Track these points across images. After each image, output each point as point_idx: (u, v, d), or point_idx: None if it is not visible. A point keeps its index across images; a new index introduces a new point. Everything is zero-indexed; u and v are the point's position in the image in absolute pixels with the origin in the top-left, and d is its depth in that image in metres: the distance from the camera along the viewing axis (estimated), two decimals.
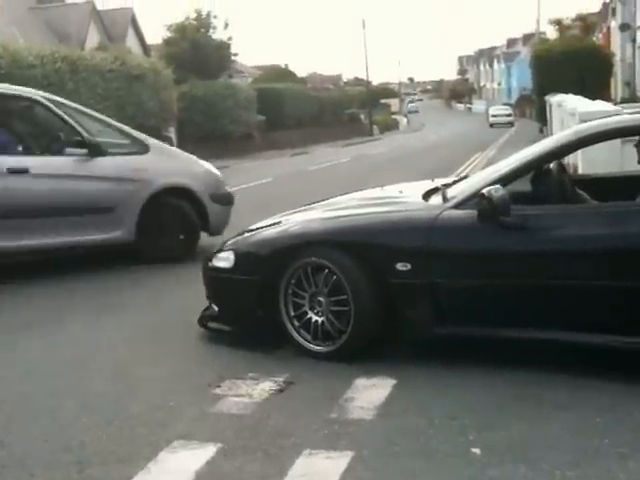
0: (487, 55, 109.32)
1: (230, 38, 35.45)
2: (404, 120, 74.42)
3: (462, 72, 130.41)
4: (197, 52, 32.98)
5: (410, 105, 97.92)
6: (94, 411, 3.64)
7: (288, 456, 3.08)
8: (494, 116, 58.04)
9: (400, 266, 3.95)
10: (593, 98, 16.50)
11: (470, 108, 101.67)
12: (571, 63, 27.13)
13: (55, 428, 3.46)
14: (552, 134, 22.64)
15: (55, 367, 4.37)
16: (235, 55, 37.62)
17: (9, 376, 4.25)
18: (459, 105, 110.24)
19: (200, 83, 31.06)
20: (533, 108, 38.58)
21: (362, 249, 4.10)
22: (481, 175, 4.34)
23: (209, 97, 30.49)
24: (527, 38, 77.38)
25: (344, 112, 50.10)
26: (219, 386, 3.90)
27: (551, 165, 4.39)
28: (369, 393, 3.73)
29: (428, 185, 4.79)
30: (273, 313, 4.31)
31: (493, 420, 3.34)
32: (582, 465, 2.90)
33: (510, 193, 3.84)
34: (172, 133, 27.23)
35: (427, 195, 4.45)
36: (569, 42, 33.08)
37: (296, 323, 4.27)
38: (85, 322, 5.35)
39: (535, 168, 4.15)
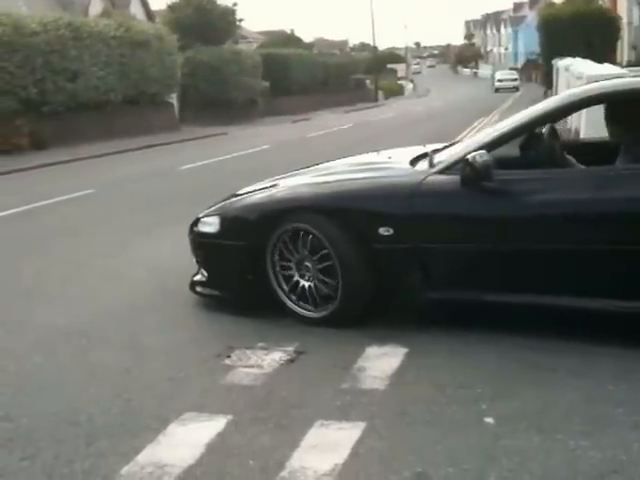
0: (494, 19, 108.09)
1: (235, 4, 35.13)
2: (410, 85, 73.75)
3: (469, 37, 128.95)
4: (202, 18, 32.62)
5: (414, 67, 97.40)
6: (102, 383, 3.60)
7: (299, 427, 3.04)
8: (500, 81, 57.54)
9: (383, 231, 3.96)
10: (600, 61, 16.31)
11: (476, 73, 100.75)
12: (578, 27, 26.90)
13: (62, 400, 3.42)
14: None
15: (61, 337, 4.33)
16: (240, 21, 37.25)
17: (17, 345, 4.22)
18: (465, 70, 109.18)
19: (205, 49, 30.77)
20: (539, 72, 38.15)
21: (345, 214, 4.11)
22: (469, 141, 4.28)
23: (214, 63, 30.25)
24: (534, 2, 76.59)
25: (350, 78, 49.67)
26: (229, 357, 3.86)
27: (543, 130, 4.33)
28: (381, 362, 3.68)
29: (418, 151, 4.73)
30: (262, 278, 4.32)
31: (506, 389, 3.29)
32: (596, 434, 2.86)
33: (497, 158, 3.84)
34: (174, 99, 27.06)
35: (415, 161, 4.40)
36: (576, 6, 32.64)
37: (285, 288, 4.29)
38: (86, 293, 5.30)
39: (521, 134, 4.10)
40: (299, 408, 3.22)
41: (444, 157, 4.16)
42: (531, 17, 71.66)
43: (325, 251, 4.10)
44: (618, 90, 4.11)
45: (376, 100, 51.84)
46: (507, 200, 3.82)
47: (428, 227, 3.93)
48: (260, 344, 4.00)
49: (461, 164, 3.85)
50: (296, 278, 4.26)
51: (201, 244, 4.71)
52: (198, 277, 4.76)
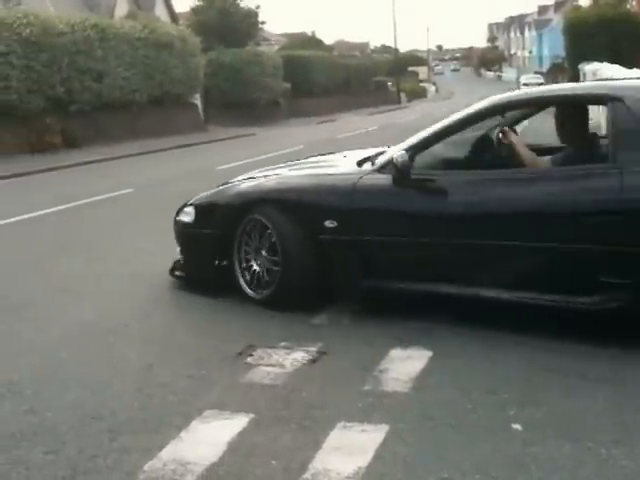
0: (518, 22, 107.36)
1: (258, 6, 35.23)
2: (432, 88, 73.54)
3: (492, 39, 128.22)
4: (225, 20, 32.80)
5: (436, 68, 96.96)
6: (125, 378, 3.60)
7: (322, 428, 3.01)
8: (525, 85, 57.08)
9: (328, 223, 4.34)
10: (628, 66, 16.12)
11: (500, 76, 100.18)
12: (605, 31, 26.55)
13: (86, 395, 3.41)
14: None
15: (88, 333, 4.34)
16: (263, 23, 37.37)
17: (44, 340, 4.23)
18: (489, 73, 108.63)
19: (227, 51, 30.92)
20: (565, 77, 37.81)
21: (295, 207, 4.48)
22: (402, 143, 4.57)
23: (236, 64, 30.37)
24: (559, 5, 75.99)
25: (371, 80, 49.60)
26: (250, 355, 3.83)
27: (495, 132, 4.64)
28: (404, 365, 3.63)
29: (372, 152, 5.07)
30: (228, 266, 4.72)
31: (534, 395, 3.24)
32: (628, 442, 2.80)
33: (446, 159, 4.35)
34: (197, 100, 27.19)
35: (363, 161, 4.73)
36: (603, 9, 32.30)
37: (242, 270, 4.69)
38: (119, 290, 5.32)
39: (444, 137, 4.38)
40: (321, 409, 3.19)
41: (385, 157, 4.48)
42: (556, 20, 71.12)
43: (273, 239, 4.48)
44: (531, 98, 4.60)
45: (399, 102, 51.71)
46: (423, 197, 4.20)
47: (365, 221, 4.31)
48: (282, 343, 3.98)
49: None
50: (251, 263, 4.64)
51: (180, 233, 5.19)
52: (178, 262, 5.23)
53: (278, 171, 5.15)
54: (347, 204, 4.32)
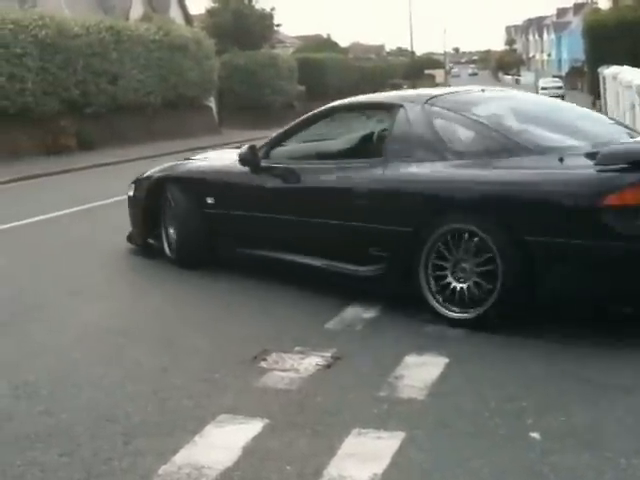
0: (536, 25, 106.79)
1: (273, 8, 35.24)
2: None
3: (510, 42, 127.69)
4: (240, 22, 32.83)
5: (453, 70, 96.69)
6: (139, 381, 3.59)
7: (337, 434, 2.98)
8: (544, 89, 56.55)
9: (209, 200, 5.51)
10: None
11: (518, 80, 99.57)
12: (625, 34, 26.29)
13: (100, 397, 3.41)
14: (606, 107, 22.07)
15: (101, 335, 4.34)
16: (278, 26, 37.40)
17: (59, 342, 4.24)
18: (507, 77, 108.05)
19: (242, 53, 30.95)
20: (584, 80, 37.57)
21: (188, 186, 5.72)
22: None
23: (250, 67, 30.40)
24: (578, 7, 75.44)
25: (387, 83, 49.55)
26: (265, 359, 3.81)
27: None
28: (420, 371, 3.60)
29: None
30: (157, 234, 6.00)
31: (553, 403, 3.19)
32: None
33: (286, 152, 5.33)
34: (212, 102, 27.23)
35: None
36: (623, 12, 32.02)
37: (155, 233, 6.02)
38: (131, 292, 5.32)
39: (291, 135, 5.37)
40: (336, 414, 3.16)
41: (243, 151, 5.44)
42: (575, 23, 70.60)
43: (171, 212, 5.76)
44: (352, 104, 5.47)
45: None
46: (268, 182, 5.19)
47: (232, 197, 5.44)
48: (297, 348, 3.95)
49: None
50: (161, 227, 5.91)
51: (127, 205, 6.49)
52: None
53: (195, 157, 6.42)
54: (222, 185, 5.51)
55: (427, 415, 3.15)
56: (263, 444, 2.93)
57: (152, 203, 5.96)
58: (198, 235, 5.60)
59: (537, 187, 3.96)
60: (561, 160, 3.97)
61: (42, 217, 8.92)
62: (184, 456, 2.84)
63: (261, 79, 30.47)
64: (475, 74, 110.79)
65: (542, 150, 4.13)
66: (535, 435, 2.92)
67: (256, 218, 5.27)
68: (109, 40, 20.49)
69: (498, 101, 5.06)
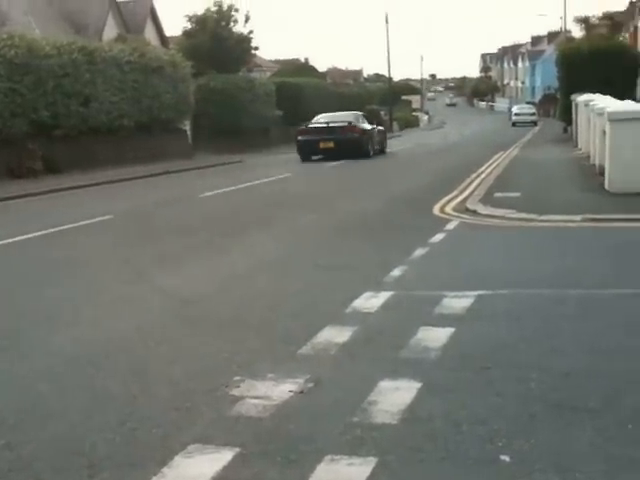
0: (511, 53, 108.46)
1: (251, 32, 35.36)
2: (425, 117, 73.97)
3: (485, 70, 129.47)
4: (217, 45, 32.89)
5: (429, 94, 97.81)
6: (106, 412, 3.52)
7: (309, 462, 2.94)
8: (517, 115, 57.35)
9: None
10: (620, 98, 16.25)
11: (493, 106, 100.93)
12: (598, 62, 26.79)
13: (66, 429, 3.34)
14: (577, 133, 22.39)
15: (70, 365, 4.26)
16: (255, 49, 37.53)
17: (23, 372, 4.16)
18: (481, 103, 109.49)
19: (219, 76, 30.99)
20: (557, 107, 38.08)
21: None
22: None
23: (227, 90, 30.44)
24: (552, 36, 76.77)
25: (364, 108, 49.82)
26: (237, 387, 3.76)
27: None
28: (393, 396, 3.57)
29: None
30: None
31: (523, 426, 3.18)
32: (616, 475, 2.76)
33: None
34: (187, 126, 27.20)
35: None
36: (596, 41, 32.61)
37: None
38: (99, 319, 5.25)
39: None
40: (308, 442, 3.12)
41: None
42: (549, 51, 71.80)
43: None
44: None
45: (391, 131, 51.94)
46: None
47: None
48: (270, 375, 3.91)
49: None
50: None
51: None
52: None
53: None
54: None
55: (400, 440, 3.12)
56: (233, 474, 2.88)
57: None
58: None
59: None
60: None
61: (4, 242, 8.86)
62: None
63: (238, 103, 30.53)
64: (454, 104, 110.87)
65: None
66: (506, 458, 2.91)
67: None
68: (81, 61, 20.34)
69: None
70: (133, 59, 22.73)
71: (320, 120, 24.57)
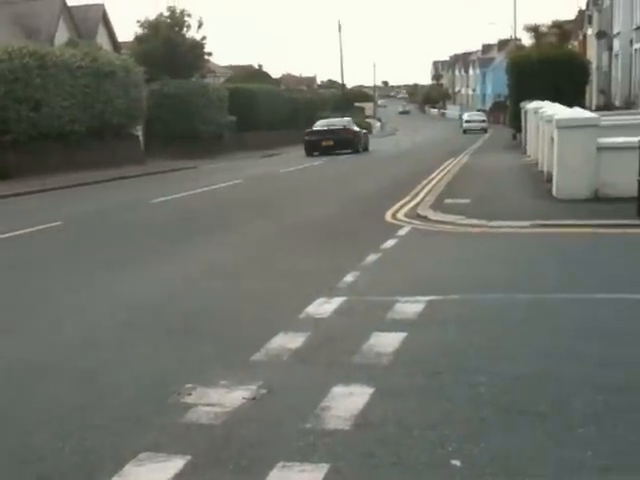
0: (462, 61, 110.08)
1: (204, 37, 35.27)
2: (377, 124, 74.51)
3: (437, 77, 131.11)
4: (170, 50, 32.72)
5: (380, 101, 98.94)
6: (56, 421, 3.46)
7: (261, 469, 2.93)
8: (468, 122, 58.14)
9: None
10: (569, 105, 16.60)
11: (444, 113, 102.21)
12: (547, 70, 27.29)
13: (13, 439, 3.27)
14: (526, 140, 22.81)
15: (17, 374, 4.18)
16: (209, 55, 37.42)
17: None
18: (433, 110, 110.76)
19: (172, 82, 30.80)
20: (507, 114, 38.74)
21: None
22: None
23: (180, 96, 30.27)
24: (502, 44, 78.06)
25: (318, 114, 49.97)
26: (189, 394, 3.73)
27: None
28: (346, 402, 3.59)
29: None
30: None
31: (474, 431, 3.23)
32: (564, 478, 2.80)
33: None
34: (139, 131, 26.98)
35: None
36: (545, 49, 33.27)
37: None
38: (49, 327, 5.16)
39: None
40: (261, 449, 3.11)
41: None
42: (500, 59, 73.04)
43: None
44: None
45: None
46: None
47: None
48: (222, 382, 3.89)
49: None
50: None
51: None
52: None
53: None
54: None
55: (352, 446, 3.13)
56: None
57: None
58: None
59: None
60: None
61: None
62: None
63: (191, 108, 30.37)
64: (407, 112, 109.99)
65: None
66: (456, 462, 2.94)
67: None
68: (32, 65, 20.08)
69: None
70: (85, 64, 22.50)
71: (322, 124, 31.53)
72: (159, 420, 3.44)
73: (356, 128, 31.67)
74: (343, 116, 53.66)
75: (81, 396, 3.77)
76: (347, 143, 29.79)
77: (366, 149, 31.74)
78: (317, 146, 29.33)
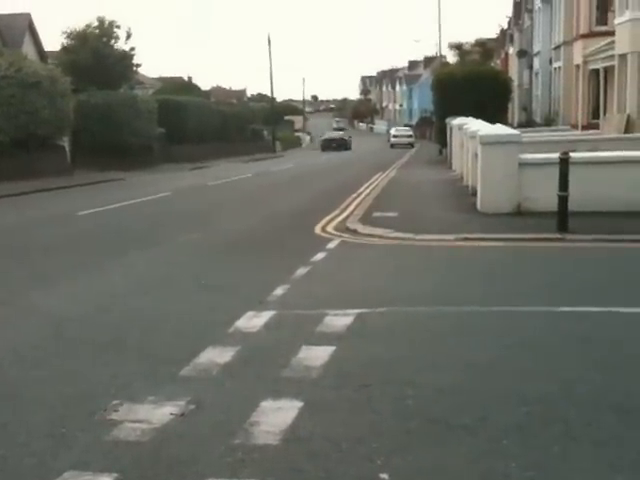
0: (389, 76, 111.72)
1: (133, 48, 34.78)
2: (307, 138, 74.89)
3: (365, 92, 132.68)
4: (99, 61, 32.16)
5: (309, 115, 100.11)
6: None
7: None
8: (395, 137, 59.01)
9: None
10: (492, 122, 17.06)
11: (372, 128, 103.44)
12: (471, 87, 27.92)
13: None
14: (451, 155, 23.33)
15: None
16: (138, 66, 36.92)
17: None
18: (361, 125, 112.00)
19: (99, 92, 30.28)
20: (434, 130, 39.52)
21: None
22: None
23: (109, 107, 29.76)
24: (428, 61, 79.57)
25: (247, 128, 49.90)
26: (116, 411, 3.68)
27: None
28: (275, 416, 3.60)
29: None
30: None
31: (402, 444, 3.28)
32: None
33: None
34: (65, 142, 26.43)
35: None
36: (469, 66, 34.10)
37: None
38: None
39: None
40: (189, 465, 3.09)
41: None
42: (426, 75, 74.43)
43: None
44: None
45: (274, 151, 52.25)
46: None
47: None
48: (150, 397, 3.84)
49: None
50: None
51: None
52: None
53: None
54: None
55: (280, 461, 3.14)
56: None
57: None
58: None
59: None
60: None
61: None
62: None
63: (119, 119, 29.86)
64: (342, 129, 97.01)
65: None
66: (384, 476, 2.98)
67: None
68: None
69: None
70: (9, 74, 21.97)
71: (328, 135, 58.10)
72: (85, 437, 3.38)
73: (346, 137, 56.91)
74: (272, 130, 54.93)
75: (3, 413, 3.67)
76: (344, 145, 53.82)
77: (350, 149, 53.59)
78: (329, 146, 53.02)
